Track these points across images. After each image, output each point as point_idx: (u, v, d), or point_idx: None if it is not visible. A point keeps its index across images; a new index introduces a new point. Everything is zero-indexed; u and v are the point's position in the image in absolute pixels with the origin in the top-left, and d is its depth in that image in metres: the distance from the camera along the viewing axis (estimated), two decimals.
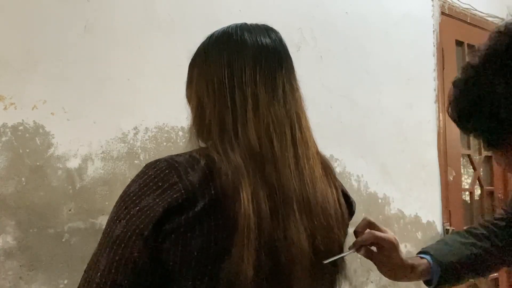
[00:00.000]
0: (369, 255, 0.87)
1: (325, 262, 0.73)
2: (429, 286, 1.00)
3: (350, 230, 0.87)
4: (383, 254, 0.87)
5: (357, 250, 0.84)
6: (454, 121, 0.79)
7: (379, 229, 0.85)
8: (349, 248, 0.83)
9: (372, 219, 0.87)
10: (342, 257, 0.79)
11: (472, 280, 1.11)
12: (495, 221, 1.10)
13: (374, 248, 0.88)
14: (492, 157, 0.88)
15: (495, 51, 0.71)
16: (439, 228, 2.44)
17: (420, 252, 1.03)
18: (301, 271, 0.70)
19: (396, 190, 2.24)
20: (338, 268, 0.78)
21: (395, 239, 0.86)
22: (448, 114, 0.80)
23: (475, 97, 0.72)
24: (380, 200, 2.18)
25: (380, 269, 0.90)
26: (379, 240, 0.85)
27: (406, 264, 0.91)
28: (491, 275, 2.67)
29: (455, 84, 0.78)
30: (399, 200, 2.25)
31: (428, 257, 0.99)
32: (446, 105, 0.81)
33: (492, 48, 0.72)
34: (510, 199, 1.17)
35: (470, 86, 0.74)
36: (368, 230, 0.85)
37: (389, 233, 0.86)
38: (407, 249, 2.26)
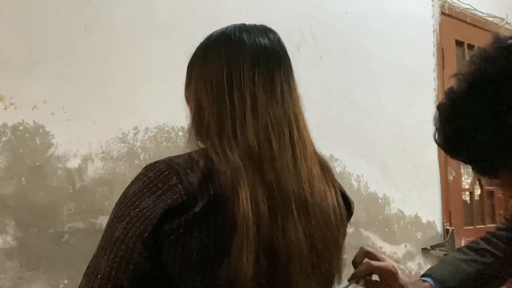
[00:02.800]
0: (368, 286, 0.88)
1: None
2: None
3: (349, 230, 0.87)
4: (382, 283, 0.88)
5: (357, 282, 0.85)
6: (442, 148, 0.76)
7: (377, 258, 0.86)
8: (348, 280, 0.85)
9: (370, 248, 0.87)
10: (337, 255, 0.79)
11: None
12: (497, 232, 1.08)
13: (375, 277, 0.89)
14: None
15: (482, 78, 0.68)
16: (439, 228, 2.44)
17: (422, 276, 1.03)
18: (299, 271, 0.70)
19: (396, 190, 2.24)
20: (335, 268, 0.78)
21: (393, 266, 0.87)
22: (435, 140, 0.77)
23: (460, 126, 0.70)
24: (380, 200, 2.18)
25: None
26: (376, 270, 0.86)
27: None
28: None
29: (439, 109, 0.75)
30: (399, 200, 2.25)
31: (430, 279, 1.00)
32: (433, 131, 0.78)
33: (478, 74, 0.69)
34: None
35: (455, 113, 0.71)
36: (365, 260, 0.86)
37: (387, 261, 0.87)
38: (407, 249, 2.26)
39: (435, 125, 0.76)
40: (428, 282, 0.99)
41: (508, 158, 0.67)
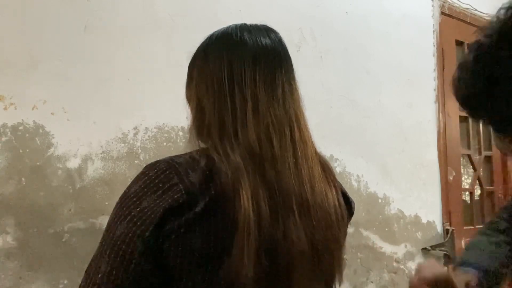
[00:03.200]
0: None
1: None
2: None
3: (350, 230, 0.87)
4: None
5: None
6: (463, 104, 0.69)
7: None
8: None
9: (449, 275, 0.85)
10: (337, 255, 0.79)
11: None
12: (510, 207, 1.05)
13: None
14: (495, 143, 0.80)
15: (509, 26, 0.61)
16: (439, 228, 2.44)
17: (460, 264, 1.00)
18: (300, 271, 0.70)
19: (396, 190, 2.24)
20: (336, 267, 0.78)
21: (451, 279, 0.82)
22: (455, 96, 0.69)
23: (489, 77, 0.63)
24: (380, 200, 2.18)
25: None
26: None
27: None
28: None
29: (462, 65, 0.69)
30: (399, 200, 2.25)
31: (471, 269, 0.96)
32: (452, 87, 0.71)
33: (507, 23, 0.62)
34: None
35: (482, 65, 0.64)
36: None
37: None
38: (407, 249, 2.26)
39: (454, 82, 0.70)
40: (471, 273, 0.94)
41: None
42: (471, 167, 2.73)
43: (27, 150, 1.25)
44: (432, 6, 2.55)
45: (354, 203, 0.88)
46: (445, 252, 2.36)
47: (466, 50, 0.71)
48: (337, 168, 1.99)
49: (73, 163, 1.33)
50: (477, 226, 2.63)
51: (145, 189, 0.66)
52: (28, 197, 1.24)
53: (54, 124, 1.31)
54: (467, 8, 2.72)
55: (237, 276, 0.64)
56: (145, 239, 0.63)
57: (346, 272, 0.82)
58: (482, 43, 0.66)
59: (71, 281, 1.28)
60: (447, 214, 2.47)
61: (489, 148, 2.81)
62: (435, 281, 0.83)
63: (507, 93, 0.61)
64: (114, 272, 0.63)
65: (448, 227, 2.43)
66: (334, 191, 0.78)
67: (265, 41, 0.75)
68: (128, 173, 1.41)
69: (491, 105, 0.64)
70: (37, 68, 1.29)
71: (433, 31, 2.54)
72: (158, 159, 0.70)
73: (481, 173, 2.76)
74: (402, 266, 2.21)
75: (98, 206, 1.35)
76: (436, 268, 0.86)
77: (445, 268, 0.87)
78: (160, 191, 0.65)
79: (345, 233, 0.83)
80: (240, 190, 0.65)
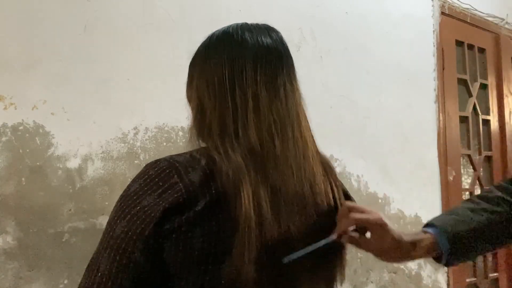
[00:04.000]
0: (354, 242, 0.77)
1: (306, 251, 0.69)
2: (440, 262, 0.86)
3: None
4: (372, 238, 0.76)
5: (339, 238, 0.75)
6: None
7: (362, 211, 0.76)
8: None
9: (353, 203, 0.78)
10: (339, 255, 0.78)
11: (487, 253, 0.96)
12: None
13: (368, 234, 0.77)
14: None
15: None
16: None
17: (424, 226, 0.88)
18: (302, 271, 0.70)
19: (396, 190, 2.24)
20: (338, 267, 0.78)
21: (382, 218, 0.76)
22: None
23: None
24: (380, 200, 2.18)
25: (375, 254, 0.79)
26: (361, 223, 0.75)
27: (404, 243, 0.78)
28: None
29: None
30: (399, 200, 2.25)
31: (432, 229, 0.85)
32: None
33: None
34: None
35: None
36: (349, 214, 0.76)
37: (373, 213, 0.76)
38: None
39: None
40: (430, 233, 0.84)
41: None
42: (471, 167, 2.73)
43: (27, 150, 1.25)
44: (432, 6, 2.55)
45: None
46: None
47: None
48: (337, 168, 1.99)
49: (73, 163, 1.33)
50: None
51: (145, 188, 0.66)
52: (28, 197, 1.24)
53: (54, 124, 1.31)
54: (467, 8, 2.72)
55: (238, 276, 0.64)
56: (145, 238, 0.63)
57: (346, 272, 0.81)
58: None
59: (71, 281, 1.28)
60: None
61: (489, 148, 2.81)
62: (366, 223, 0.76)
63: None
64: (113, 271, 0.63)
65: None
66: (335, 190, 0.78)
67: (266, 40, 0.75)
68: (128, 173, 1.41)
69: None
70: (37, 68, 1.29)
71: (433, 31, 2.54)
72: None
73: (481, 173, 2.76)
74: (402, 266, 2.21)
75: (98, 206, 1.35)
76: (368, 210, 0.76)
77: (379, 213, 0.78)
78: (160, 190, 0.65)
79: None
80: (241, 189, 0.65)
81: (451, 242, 0.83)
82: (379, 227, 0.75)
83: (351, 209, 0.76)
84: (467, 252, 0.86)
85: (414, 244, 0.80)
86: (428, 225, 0.87)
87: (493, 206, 0.89)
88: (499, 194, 0.91)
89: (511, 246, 0.97)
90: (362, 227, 0.77)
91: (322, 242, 0.72)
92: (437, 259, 0.86)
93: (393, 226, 0.78)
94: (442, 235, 0.83)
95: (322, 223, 0.74)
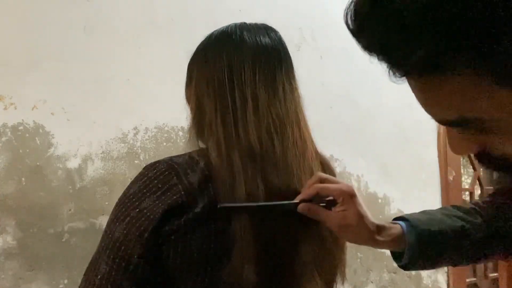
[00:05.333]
0: (314, 213, 0.69)
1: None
2: (400, 262, 0.80)
3: None
4: (336, 210, 0.70)
5: (298, 205, 0.68)
6: (352, 33, 0.46)
7: (331, 182, 0.71)
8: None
9: (326, 175, 0.72)
10: (297, 223, 0.70)
11: (450, 264, 0.86)
12: (487, 199, 0.89)
13: (338, 208, 0.70)
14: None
15: None
16: None
17: (395, 218, 0.82)
18: (302, 272, 0.70)
19: (396, 190, 2.24)
20: (338, 267, 0.78)
21: (350, 190, 0.70)
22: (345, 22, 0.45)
23: None
24: (380, 200, 2.18)
25: (336, 231, 0.71)
26: (325, 191, 0.69)
27: (369, 222, 0.72)
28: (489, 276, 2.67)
29: None
30: (399, 200, 2.25)
31: (401, 222, 0.78)
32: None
33: None
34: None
35: None
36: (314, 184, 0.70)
37: (342, 184, 0.71)
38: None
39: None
40: (399, 225, 0.77)
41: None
42: (471, 167, 2.73)
43: (27, 150, 1.25)
44: None
45: None
46: None
47: None
48: (337, 168, 1.99)
49: (73, 163, 1.33)
50: None
51: (144, 190, 0.66)
52: (28, 197, 1.24)
53: (54, 124, 1.31)
54: None
55: (238, 278, 0.64)
56: (144, 240, 0.63)
57: (346, 272, 0.80)
58: None
59: (71, 281, 1.28)
60: None
61: None
62: (328, 192, 0.70)
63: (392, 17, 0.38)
64: (113, 273, 0.63)
65: None
66: None
67: (265, 40, 0.75)
68: (128, 173, 1.41)
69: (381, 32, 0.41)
70: (37, 68, 1.29)
71: None
72: (158, 159, 0.70)
73: (481, 173, 2.76)
74: None
75: (98, 206, 1.35)
76: (340, 181, 0.71)
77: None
78: (159, 192, 0.65)
79: None
80: (237, 191, 0.65)
81: (418, 239, 0.76)
82: (346, 196, 0.69)
83: (322, 180, 0.70)
84: (432, 256, 0.79)
85: (380, 228, 0.74)
86: (399, 218, 0.81)
87: (468, 216, 0.83)
88: (474, 206, 0.86)
89: None
90: (331, 200, 0.71)
91: (278, 203, 0.67)
92: (398, 258, 0.80)
93: (364, 204, 0.72)
94: (411, 229, 0.77)
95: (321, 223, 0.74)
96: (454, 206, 0.89)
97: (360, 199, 0.71)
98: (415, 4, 0.36)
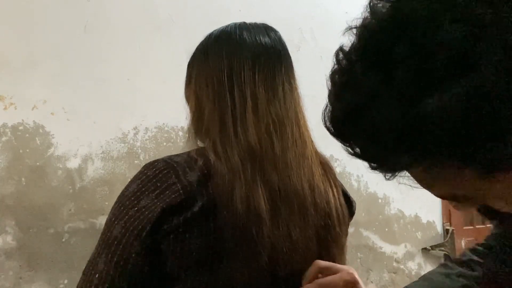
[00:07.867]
0: None
1: None
2: None
3: (350, 230, 0.86)
4: None
5: None
6: (330, 133, 0.49)
7: (332, 272, 0.70)
8: None
9: (325, 263, 0.71)
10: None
11: None
12: (486, 242, 0.90)
13: None
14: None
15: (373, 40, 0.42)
16: (439, 228, 2.44)
17: None
18: (302, 272, 0.70)
19: (396, 190, 2.24)
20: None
21: (352, 278, 0.70)
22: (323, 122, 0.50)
23: (351, 104, 0.44)
24: (380, 200, 2.18)
25: None
26: (328, 287, 0.69)
27: None
28: None
29: (331, 79, 0.49)
30: (399, 200, 2.25)
31: None
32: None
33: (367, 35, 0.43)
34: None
35: (342, 87, 0.45)
36: (315, 280, 0.70)
37: (343, 272, 0.70)
38: (407, 249, 2.26)
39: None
40: None
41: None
42: None
43: (27, 150, 1.25)
44: None
45: (355, 203, 0.88)
46: (445, 252, 2.35)
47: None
48: (337, 168, 1.99)
49: (73, 163, 1.33)
50: (477, 226, 2.63)
51: (143, 189, 0.65)
52: (28, 197, 1.24)
53: (54, 124, 1.31)
54: None
55: (237, 278, 0.64)
56: (143, 239, 0.63)
57: None
58: (346, 52, 0.47)
59: (71, 281, 1.28)
60: (447, 214, 2.47)
61: None
62: (331, 286, 0.69)
63: (368, 127, 0.42)
64: (111, 272, 0.62)
65: (448, 227, 2.43)
66: (334, 190, 0.78)
67: (265, 39, 0.75)
68: (128, 173, 1.41)
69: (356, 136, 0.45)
70: (37, 68, 1.29)
71: None
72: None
73: None
74: (402, 266, 2.21)
75: (98, 206, 1.35)
76: (340, 268, 0.71)
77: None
78: (158, 191, 0.65)
79: (346, 233, 0.82)
80: (236, 190, 0.65)
81: None
82: (349, 286, 0.69)
83: (321, 269, 0.70)
84: None
85: None
86: None
87: (467, 271, 0.84)
88: (472, 257, 0.87)
89: None
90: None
91: None
92: None
93: (364, 286, 0.71)
94: None
95: (322, 223, 0.74)
96: (453, 261, 0.90)
97: (362, 283, 0.71)
98: (389, 124, 0.40)
